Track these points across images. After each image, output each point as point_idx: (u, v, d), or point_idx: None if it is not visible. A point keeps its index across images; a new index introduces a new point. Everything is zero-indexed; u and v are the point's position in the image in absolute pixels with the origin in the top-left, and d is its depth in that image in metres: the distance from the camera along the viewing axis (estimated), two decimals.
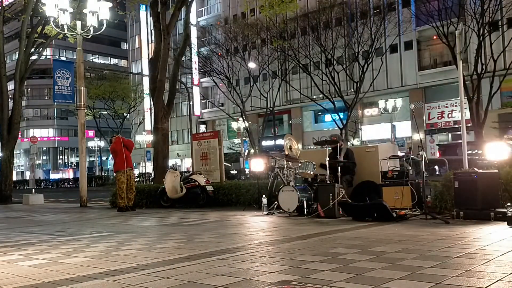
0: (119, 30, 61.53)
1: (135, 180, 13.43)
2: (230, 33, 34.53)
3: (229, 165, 31.79)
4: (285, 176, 8.57)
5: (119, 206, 10.59)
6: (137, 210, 10.69)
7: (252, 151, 34.98)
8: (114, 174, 11.12)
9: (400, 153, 9.51)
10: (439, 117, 33.06)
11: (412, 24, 29.41)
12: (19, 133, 21.14)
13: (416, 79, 33.98)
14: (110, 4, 14.07)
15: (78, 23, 14.07)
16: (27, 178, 55.62)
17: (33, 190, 17.54)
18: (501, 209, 6.13)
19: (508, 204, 5.85)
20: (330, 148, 8.55)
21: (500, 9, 21.80)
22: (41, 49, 19.72)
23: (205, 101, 49.43)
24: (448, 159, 14.43)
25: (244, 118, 33.95)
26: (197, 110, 48.59)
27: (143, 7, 52.29)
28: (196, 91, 47.95)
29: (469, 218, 6.29)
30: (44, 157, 68.85)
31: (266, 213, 8.39)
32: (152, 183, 17.08)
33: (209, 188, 10.92)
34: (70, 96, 14.86)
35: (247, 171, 28.64)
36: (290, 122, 42.65)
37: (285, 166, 8.59)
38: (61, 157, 70.87)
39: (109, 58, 70.30)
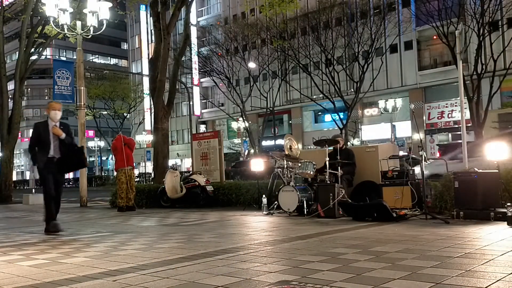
0: (119, 30, 61.52)
1: (135, 180, 13.43)
2: (230, 33, 34.56)
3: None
4: (285, 176, 8.57)
5: (119, 206, 10.61)
6: (137, 210, 10.70)
7: (252, 151, 34.99)
8: (115, 172, 11.14)
9: (402, 153, 9.51)
10: (439, 117, 33.06)
11: (412, 24, 29.42)
12: (19, 133, 21.15)
13: (416, 79, 33.99)
14: (110, 4, 14.08)
15: (78, 23, 14.07)
16: (27, 178, 55.66)
17: (33, 190, 17.55)
18: (501, 209, 6.13)
19: (508, 204, 5.85)
20: (330, 148, 8.55)
21: (500, 9, 21.78)
22: (41, 49, 19.73)
23: (205, 101, 49.44)
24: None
25: (244, 118, 33.97)
26: (197, 110, 48.60)
27: (143, 7, 52.32)
28: (196, 91, 47.96)
29: (469, 218, 6.29)
30: None
31: (266, 213, 8.39)
32: (152, 183, 17.08)
33: (209, 188, 10.92)
34: (70, 96, 14.87)
35: None
36: (290, 122, 42.65)
37: (285, 166, 8.59)
38: None
39: (109, 58, 70.30)
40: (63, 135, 6.59)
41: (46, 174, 6.58)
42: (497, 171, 6.56)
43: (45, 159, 6.55)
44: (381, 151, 8.71)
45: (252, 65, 34.12)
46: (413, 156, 7.71)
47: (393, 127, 32.39)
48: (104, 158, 60.92)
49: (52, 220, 6.69)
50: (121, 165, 10.61)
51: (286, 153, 8.82)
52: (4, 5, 19.14)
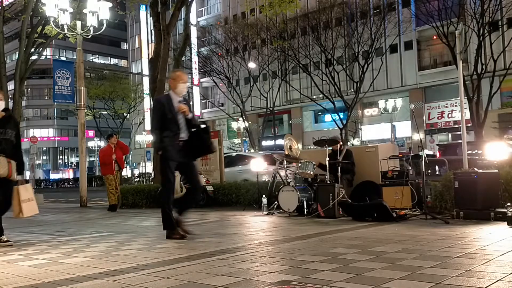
0: (119, 30, 61.55)
1: (135, 180, 13.43)
2: (230, 33, 34.57)
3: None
4: (285, 176, 8.57)
5: (111, 204, 10.68)
6: (137, 210, 10.70)
7: (252, 151, 34.99)
8: (104, 176, 11.22)
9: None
10: (439, 117, 33.08)
11: (412, 24, 29.44)
12: None
13: (416, 79, 33.99)
14: (110, 4, 14.09)
15: (78, 23, 14.08)
16: (27, 178, 55.57)
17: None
18: (501, 209, 6.12)
19: (508, 204, 5.85)
20: (330, 148, 8.55)
21: (500, 9, 21.81)
22: (41, 49, 19.74)
23: (205, 101, 49.45)
24: (448, 159, 14.41)
25: (244, 118, 33.98)
26: (197, 110, 48.62)
27: (143, 7, 52.27)
28: (196, 91, 47.96)
29: (469, 218, 6.29)
30: (44, 157, 68.86)
31: (266, 213, 8.38)
32: (152, 183, 17.07)
33: (209, 188, 10.91)
34: (70, 96, 14.88)
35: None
36: (290, 122, 42.65)
37: (285, 166, 8.58)
38: (61, 157, 70.88)
39: (109, 58, 70.33)
40: (190, 114, 5.38)
41: (173, 165, 5.40)
42: (497, 171, 6.56)
43: (175, 143, 5.32)
44: (381, 151, 8.71)
45: (252, 65, 34.13)
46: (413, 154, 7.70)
47: (393, 127, 32.40)
48: None
49: (175, 225, 5.51)
50: (109, 172, 10.73)
51: (286, 153, 8.82)
52: (4, 5, 19.13)
